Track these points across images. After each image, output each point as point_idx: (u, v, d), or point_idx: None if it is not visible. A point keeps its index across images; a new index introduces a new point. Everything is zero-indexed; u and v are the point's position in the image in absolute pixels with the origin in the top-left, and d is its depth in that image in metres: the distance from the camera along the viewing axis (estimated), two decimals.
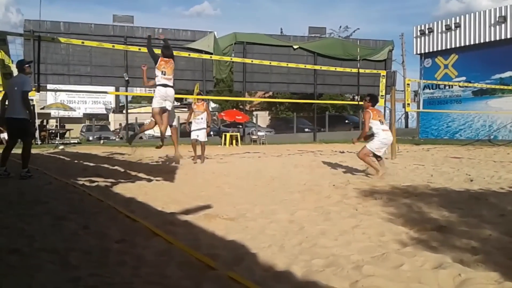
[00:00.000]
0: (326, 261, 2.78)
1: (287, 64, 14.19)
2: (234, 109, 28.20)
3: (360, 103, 6.72)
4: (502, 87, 18.03)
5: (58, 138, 24.55)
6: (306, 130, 27.19)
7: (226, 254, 2.90)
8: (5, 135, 20.15)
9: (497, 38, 19.88)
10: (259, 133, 23.27)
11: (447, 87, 22.40)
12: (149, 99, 50.37)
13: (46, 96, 34.75)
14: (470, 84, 19.95)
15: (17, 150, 7.41)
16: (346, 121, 29.89)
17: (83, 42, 10.58)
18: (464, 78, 21.20)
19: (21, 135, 7.18)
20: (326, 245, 3.13)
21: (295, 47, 23.80)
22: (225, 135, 21.14)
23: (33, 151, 14.44)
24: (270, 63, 15.71)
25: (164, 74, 8.63)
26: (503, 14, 19.56)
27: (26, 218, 3.97)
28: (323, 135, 25.17)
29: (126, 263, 2.76)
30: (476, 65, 20.67)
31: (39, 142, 20.94)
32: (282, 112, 35.29)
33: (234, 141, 21.01)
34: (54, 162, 10.69)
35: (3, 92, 7.45)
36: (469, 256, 2.79)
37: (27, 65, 7.25)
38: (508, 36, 19.42)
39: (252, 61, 17.37)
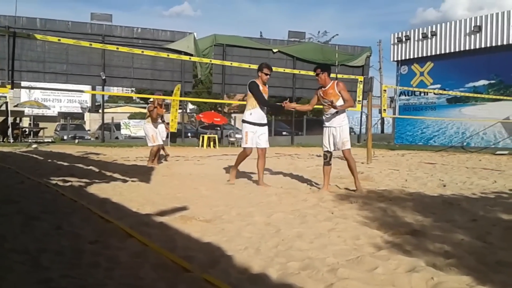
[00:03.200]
0: (302, 263, 2.79)
1: None
2: (213, 111, 28.12)
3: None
4: (475, 95, 18.45)
5: (31, 137, 24.01)
6: (284, 133, 27.34)
7: (202, 256, 2.88)
8: None
9: (472, 47, 20.33)
10: (237, 136, 23.23)
11: (422, 94, 22.80)
12: (126, 99, 49.85)
13: (20, 93, 34.02)
14: (444, 92, 20.35)
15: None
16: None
17: (59, 40, 10.37)
18: (439, 85, 21.62)
19: None
20: (302, 248, 3.15)
21: (274, 50, 23.89)
22: (203, 137, 21.05)
23: (6, 149, 14.17)
24: (250, 66, 15.68)
25: None
26: (478, 23, 20.01)
27: None
28: (300, 138, 25.32)
29: (100, 264, 2.71)
30: (451, 73, 21.11)
31: (11, 140, 20.45)
32: None
33: (211, 143, 20.93)
34: (26, 161, 10.44)
35: None
36: (442, 260, 2.84)
37: None
38: (483, 46, 19.89)
39: (231, 63, 17.34)
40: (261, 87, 6.55)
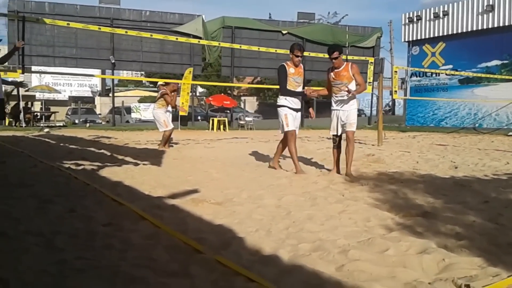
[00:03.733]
0: (313, 245, 2.80)
1: (276, 50, 14.08)
2: (222, 94, 28.09)
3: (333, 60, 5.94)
4: (488, 75, 18.21)
5: (43, 121, 24.25)
6: None
7: (213, 238, 2.90)
8: None
9: (484, 27, 20.00)
10: (247, 118, 23.27)
11: (434, 75, 22.55)
12: (136, 83, 49.93)
13: (30, 78, 34.23)
14: (456, 72, 20.10)
15: (5, 132, 7.29)
16: None
17: (68, 24, 10.39)
18: (450, 66, 21.35)
19: None
20: (312, 230, 3.16)
21: (283, 32, 23.67)
22: (213, 120, 21.07)
23: (18, 133, 14.31)
24: (259, 48, 15.63)
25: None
26: (490, 3, 19.64)
27: (10, 201, 3.92)
28: (310, 121, 25.17)
29: (113, 246, 2.75)
30: (463, 54, 20.81)
31: (23, 125, 20.65)
32: (270, 97, 35.23)
33: (221, 126, 20.96)
34: (39, 145, 10.55)
35: None
36: (453, 242, 2.84)
37: None
38: (495, 25, 19.55)
39: (240, 46, 17.24)
40: (292, 70, 6.28)
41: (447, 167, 6.77)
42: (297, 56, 6.28)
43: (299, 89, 6.36)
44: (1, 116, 7.17)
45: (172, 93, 9.96)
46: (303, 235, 3.02)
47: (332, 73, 6.09)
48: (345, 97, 6.00)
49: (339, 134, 6.16)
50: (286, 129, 6.30)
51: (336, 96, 6.13)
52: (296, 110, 6.39)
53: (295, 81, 6.31)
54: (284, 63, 6.41)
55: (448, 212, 3.66)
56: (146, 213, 3.50)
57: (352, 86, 5.95)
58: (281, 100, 6.37)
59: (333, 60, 5.99)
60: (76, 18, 19.52)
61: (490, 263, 2.43)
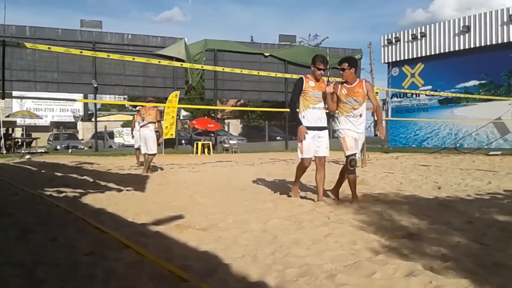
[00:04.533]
0: (300, 270, 2.77)
1: (258, 72, 14.21)
2: (206, 117, 28.10)
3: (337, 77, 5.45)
4: (466, 95, 18.60)
5: (24, 147, 23.85)
6: (278, 138, 27.34)
7: (199, 265, 2.86)
8: None
9: (461, 48, 20.54)
10: (231, 142, 23.26)
11: (414, 96, 22.95)
12: (118, 107, 49.57)
13: (11, 103, 33.80)
14: (436, 93, 20.52)
15: None
16: None
17: (49, 48, 10.32)
18: (430, 86, 21.78)
19: None
20: (299, 255, 3.13)
21: (266, 54, 23.97)
22: (197, 144, 21.04)
23: None
24: (242, 71, 15.75)
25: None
26: (466, 24, 20.22)
27: None
28: (295, 143, 25.05)
29: (96, 276, 2.68)
30: (441, 74, 21.28)
31: (4, 152, 20.31)
32: (254, 120, 35.35)
33: (206, 150, 20.93)
34: (20, 172, 10.38)
35: None
36: (439, 263, 2.84)
37: None
38: (472, 46, 20.08)
39: (223, 69, 17.34)
40: (312, 83, 5.46)
41: (430, 188, 6.84)
42: (319, 69, 5.44)
43: (320, 105, 5.52)
44: None
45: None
46: (290, 260, 2.99)
47: (343, 89, 5.47)
48: (360, 118, 5.48)
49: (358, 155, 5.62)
50: (300, 156, 5.60)
51: (349, 116, 5.47)
52: (319, 129, 5.54)
53: (314, 96, 5.46)
54: (303, 76, 5.63)
55: (433, 233, 3.67)
56: (129, 241, 3.44)
57: (364, 107, 5.48)
58: (301, 117, 5.54)
59: (342, 72, 5.51)
60: (58, 42, 19.52)
61: (477, 284, 2.43)
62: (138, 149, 11.06)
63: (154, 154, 9.78)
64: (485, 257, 2.95)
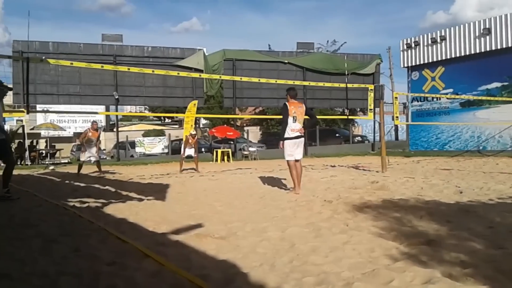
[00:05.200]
0: (317, 278, 2.79)
1: (276, 81, 14.26)
2: (225, 125, 28.25)
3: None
4: (489, 98, 18.29)
5: (48, 158, 24.38)
6: None
7: (217, 275, 2.90)
8: None
9: (482, 50, 20.21)
10: (251, 149, 23.31)
11: (435, 99, 22.65)
12: (139, 117, 50.22)
13: (36, 116, 34.56)
14: (457, 96, 20.22)
15: None
16: (337, 134, 30.05)
17: (72, 63, 10.58)
18: (451, 90, 21.47)
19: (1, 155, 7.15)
20: (317, 263, 3.15)
21: (285, 61, 24.01)
22: (217, 152, 21.16)
23: (23, 172, 14.38)
24: (259, 80, 15.82)
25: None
26: (487, 26, 19.91)
27: (15, 241, 3.94)
28: (314, 149, 25.28)
29: (117, 286, 2.75)
30: (462, 77, 20.97)
31: (29, 163, 20.77)
32: (273, 127, 35.37)
33: (225, 157, 21.03)
34: (44, 183, 10.61)
35: None
36: (458, 270, 2.82)
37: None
38: (493, 48, 19.75)
39: (241, 78, 17.48)
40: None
41: (452, 192, 6.74)
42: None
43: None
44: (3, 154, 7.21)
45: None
46: (308, 268, 3.01)
47: None
48: None
49: None
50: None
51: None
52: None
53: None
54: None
55: (452, 239, 3.64)
56: (150, 250, 3.50)
57: None
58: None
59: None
60: (80, 56, 19.96)
61: None
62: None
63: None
64: (505, 264, 2.92)
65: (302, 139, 7.53)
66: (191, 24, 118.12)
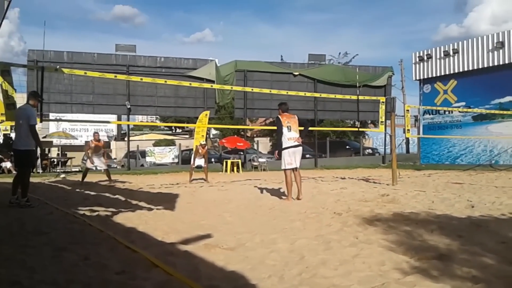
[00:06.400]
0: None
1: (287, 92, 14.29)
2: (235, 135, 28.30)
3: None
4: (501, 112, 18.12)
5: (59, 167, 24.58)
6: (307, 156, 27.14)
7: (226, 286, 2.89)
8: (6, 164, 20.27)
9: (495, 64, 20.08)
10: (260, 160, 23.30)
11: (447, 112, 22.51)
12: (150, 126, 50.55)
13: (48, 124, 34.95)
14: (469, 110, 20.06)
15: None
16: (347, 146, 29.92)
17: (85, 73, 10.72)
18: (463, 103, 21.33)
19: (22, 165, 7.30)
20: (326, 275, 3.12)
21: (295, 74, 24.06)
22: (226, 162, 21.18)
23: (35, 180, 14.50)
24: (270, 91, 15.85)
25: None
26: (500, 39, 19.81)
27: (26, 249, 3.98)
28: (324, 161, 25.19)
29: None
30: (475, 90, 20.83)
31: (40, 171, 20.96)
32: None
33: (235, 168, 21.03)
34: (55, 191, 10.70)
35: (5, 122, 7.57)
36: (469, 286, 2.79)
37: (38, 99, 7.49)
38: (506, 62, 19.62)
39: (252, 89, 17.55)
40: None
41: (463, 207, 6.67)
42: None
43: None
44: (32, 164, 7.67)
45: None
46: (317, 281, 2.99)
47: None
48: None
49: None
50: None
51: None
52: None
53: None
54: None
55: (464, 254, 3.60)
56: (159, 260, 3.50)
57: None
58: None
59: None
60: (94, 66, 20.20)
61: None
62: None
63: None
64: None
65: (300, 148, 7.92)
66: (204, 35, 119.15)
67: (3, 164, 20.83)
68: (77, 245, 4.14)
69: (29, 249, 3.98)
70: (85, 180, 12.84)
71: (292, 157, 7.81)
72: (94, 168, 13.39)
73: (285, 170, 7.88)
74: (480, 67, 20.71)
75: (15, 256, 3.72)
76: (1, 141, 24.74)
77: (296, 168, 7.91)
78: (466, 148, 21.53)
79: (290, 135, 7.81)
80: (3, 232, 4.88)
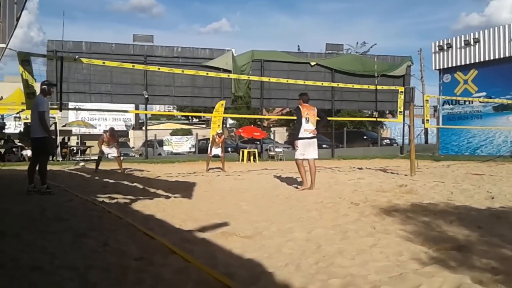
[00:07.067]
0: (343, 281, 2.76)
1: (304, 82, 14.22)
2: (252, 125, 28.30)
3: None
4: None
5: (79, 155, 24.91)
6: (324, 146, 27.00)
7: (243, 273, 2.90)
8: (27, 152, 20.63)
9: None
10: (277, 149, 23.28)
11: (467, 103, 22.17)
12: (168, 116, 50.89)
13: (67, 113, 35.41)
14: (490, 100, 19.71)
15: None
16: (365, 137, 29.67)
17: (104, 63, 10.82)
18: (484, 93, 20.97)
19: (37, 152, 7.38)
20: (343, 265, 3.11)
21: (312, 64, 23.89)
22: (243, 152, 21.23)
23: (55, 167, 14.75)
24: (287, 81, 15.79)
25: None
26: None
27: (47, 235, 4.05)
28: (341, 151, 25.04)
29: (144, 281, 2.78)
30: (496, 80, 20.45)
31: (60, 159, 21.29)
32: None
33: (251, 158, 21.08)
34: (75, 179, 10.86)
35: (26, 111, 7.69)
36: (489, 277, 2.75)
37: (43, 86, 7.47)
38: None
39: (269, 79, 17.48)
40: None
41: (483, 198, 6.57)
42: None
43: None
44: (47, 152, 7.66)
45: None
46: (333, 270, 2.98)
47: None
48: None
49: None
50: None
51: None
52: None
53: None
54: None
55: (483, 246, 3.55)
56: (176, 247, 3.53)
57: None
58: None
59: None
60: (112, 56, 20.36)
61: None
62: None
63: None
64: None
65: (315, 139, 8.04)
66: (220, 25, 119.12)
67: (24, 152, 21.18)
68: (96, 232, 4.21)
69: (49, 235, 4.06)
70: (99, 168, 13.01)
71: (305, 148, 7.93)
72: (107, 156, 13.51)
73: (296, 160, 8.05)
74: (502, 56, 20.32)
75: (36, 242, 3.79)
76: (22, 130, 25.14)
77: (313, 159, 8.02)
78: (487, 139, 21.20)
79: (307, 126, 7.89)
80: (24, 218, 4.97)
